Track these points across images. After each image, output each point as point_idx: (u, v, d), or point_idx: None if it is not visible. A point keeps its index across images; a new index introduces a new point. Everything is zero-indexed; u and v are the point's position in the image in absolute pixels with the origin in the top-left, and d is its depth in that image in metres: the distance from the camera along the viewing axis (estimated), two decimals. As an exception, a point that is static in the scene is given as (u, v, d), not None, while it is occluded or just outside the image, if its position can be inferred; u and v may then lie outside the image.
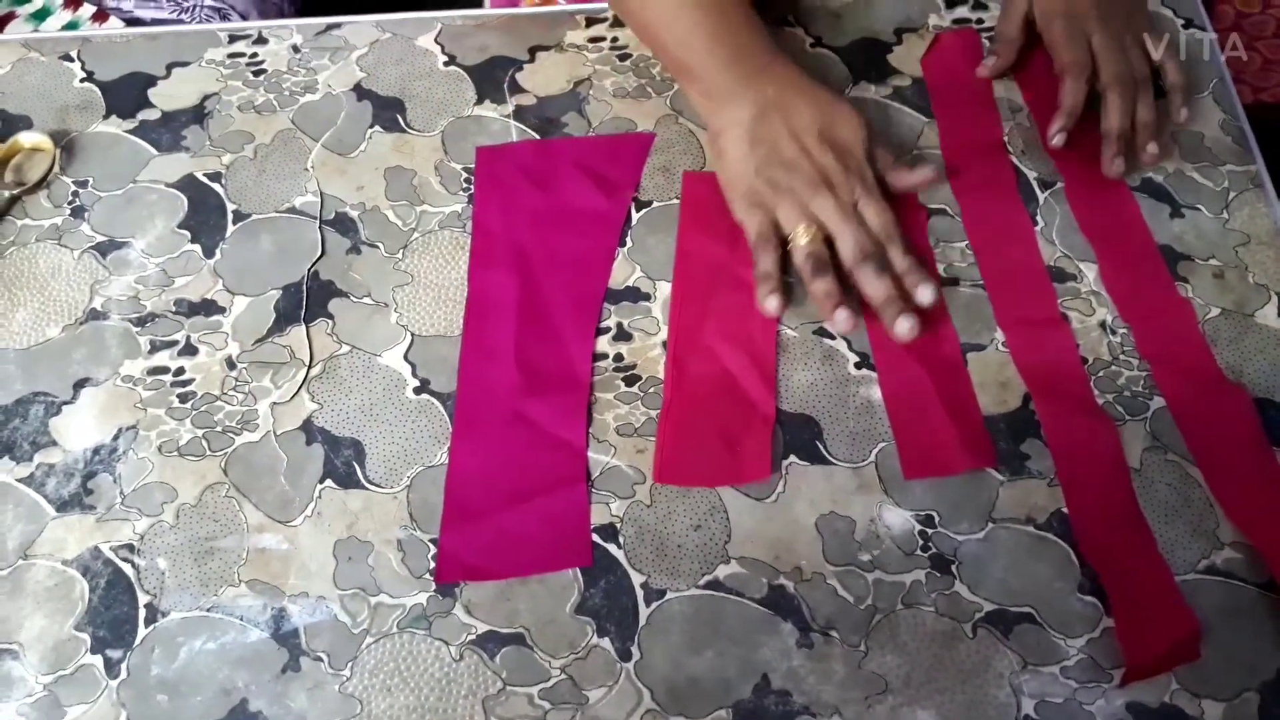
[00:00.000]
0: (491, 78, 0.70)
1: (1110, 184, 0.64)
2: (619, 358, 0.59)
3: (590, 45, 0.71)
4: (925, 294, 0.57)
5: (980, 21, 0.73)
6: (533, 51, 0.71)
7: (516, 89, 0.70)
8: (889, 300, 0.57)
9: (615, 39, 0.72)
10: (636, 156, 0.66)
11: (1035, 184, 0.65)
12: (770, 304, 0.58)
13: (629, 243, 0.63)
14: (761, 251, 0.59)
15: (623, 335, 0.59)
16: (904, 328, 0.56)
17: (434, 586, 0.52)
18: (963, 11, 0.73)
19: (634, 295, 0.61)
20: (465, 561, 0.52)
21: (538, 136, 0.68)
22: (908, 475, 0.54)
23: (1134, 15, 0.67)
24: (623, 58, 0.71)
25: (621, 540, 0.53)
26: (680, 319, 0.60)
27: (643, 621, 0.51)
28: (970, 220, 0.63)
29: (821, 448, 0.56)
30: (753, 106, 0.61)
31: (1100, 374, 0.58)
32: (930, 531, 0.53)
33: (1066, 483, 0.54)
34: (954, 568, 0.52)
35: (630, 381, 0.58)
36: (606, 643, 0.50)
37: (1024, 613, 0.51)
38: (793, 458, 0.55)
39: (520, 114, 0.69)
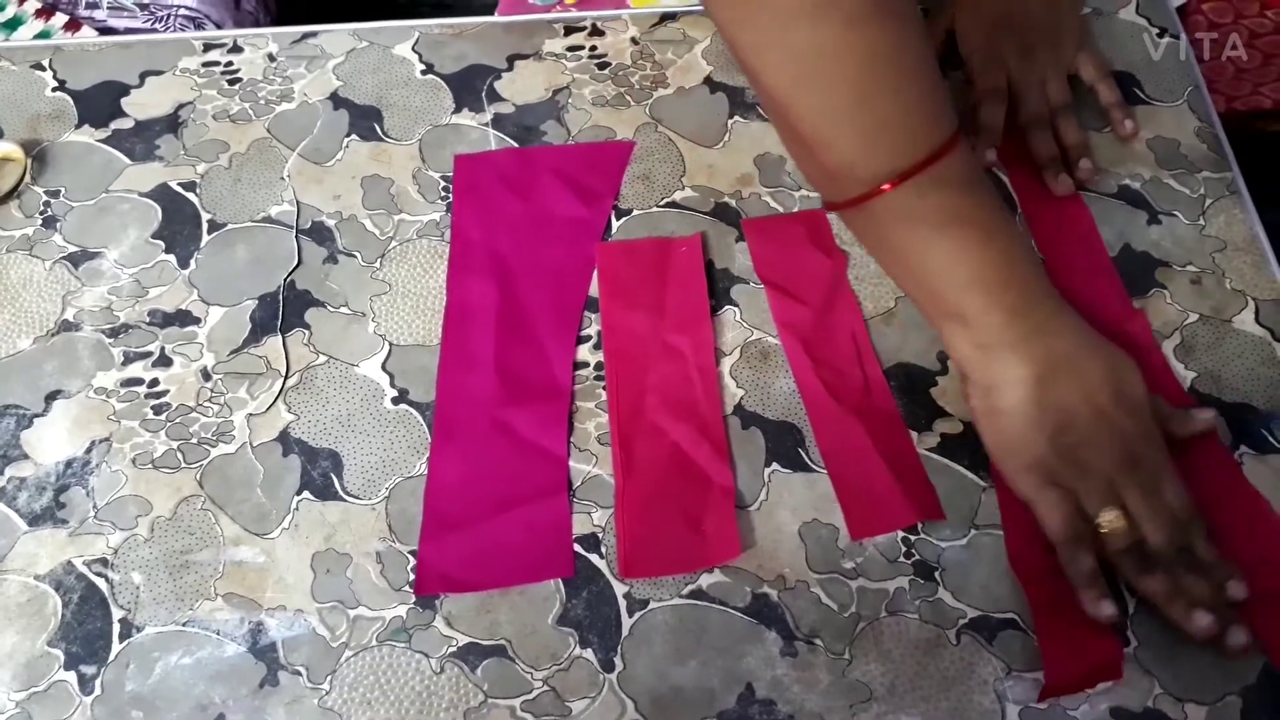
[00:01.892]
0: (470, 86, 0.70)
1: (1063, 199, 0.64)
2: (599, 366, 0.58)
3: (569, 54, 0.71)
4: (1237, 590, 0.49)
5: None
6: (511, 60, 0.71)
7: (495, 97, 0.70)
8: (1178, 595, 0.49)
9: (594, 47, 0.71)
10: (616, 164, 0.66)
11: (1010, 187, 0.65)
12: (1105, 610, 0.49)
13: (609, 251, 0.63)
14: (1076, 550, 0.50)
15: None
16: (1203, 624, 0.48)
17: (414, 599, 0.51)
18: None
19: (615, 303, 0.61)
20: (445, 573, 0.52)
21: (517, 145, 0.67)
22: (854, 536, 0.53)
23: (1060, 46, 0.67)
24: (601, 66, 0.70)
25: (604, 550, 0.53)
26: (619, 398, 0.57)
27: (625, 632, 0.50)
28: None
29: (804, 455, 0.55)
30: (1039, 364, 0.51)
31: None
32: (913, 538, 0.53)
33: (1003, 498, 0.54)
34: (937, 574, 0.52)
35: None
36: (589, 654, 0.50)
37: (1007, 619, 0.51)
38: (775, 465, 0.55)
39: (499, 122, 0.68)
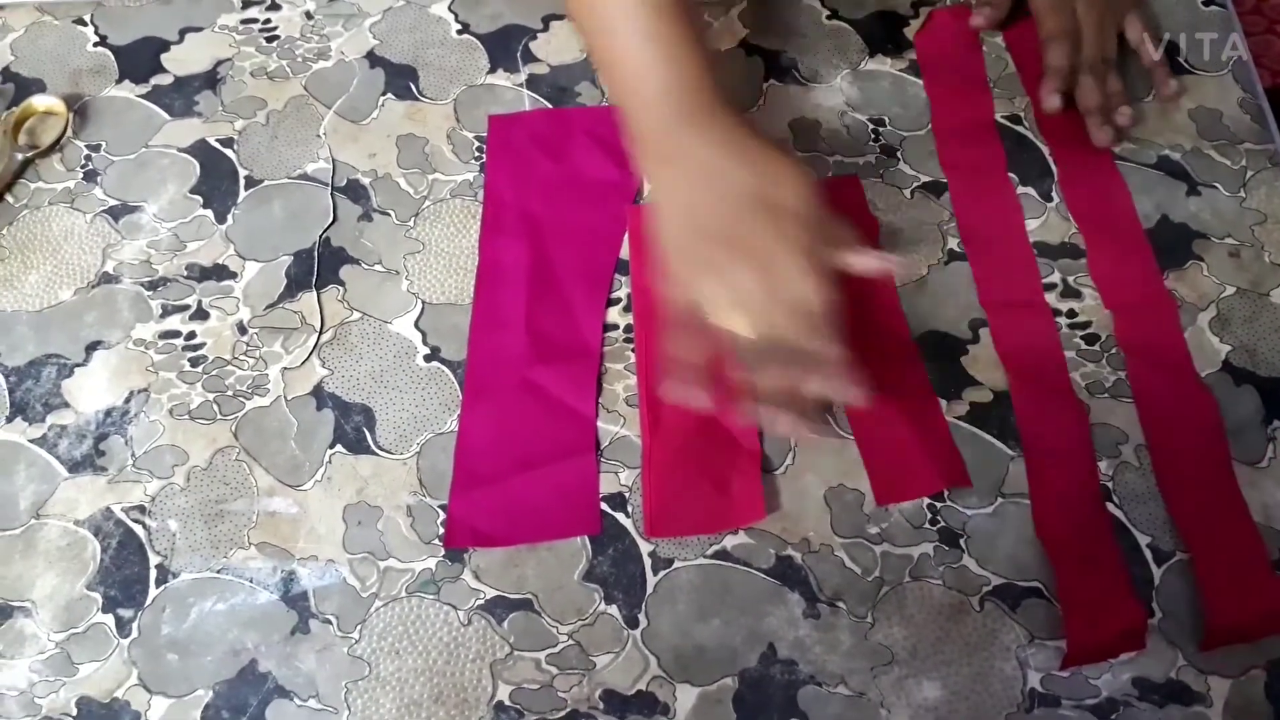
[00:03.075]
0: (505, 46, 0.70)
1: (1103, 172, 0.63)
2: (629, 328, 0.59)
3: (604, 15, 0.71)
4: (856, 395, 0.50)
5: (998, -4, 0.72)
6: (546, 21, 0.71)
7: (530, 58, 0.69)
8: (782, 398, 0.50)
9: (630, 9, 0.71)
10: None
11: (1050, 159, 0.64)
12: (700, 399, 0.51)
13: (641, 213, 0.63)
14: (683, 336, 0.52)
15: (634, 306, 0.59)
16: (785, 428, 0.51)
17: (442, 552, 0.52)
18: (981, -15, 0.72)
19: (646, 266, 0.61)
20: (474, 527, 0.52)
21: (550, 105, 0.67)
22: (880, 501, 0.53)
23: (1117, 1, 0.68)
24: (637, 28, 0.70)
25: (630, 509, 0.53)
26: (648, 360, 0.57)
27: (650, 589, 0.51)
28: (958, 200, 0.63)
29: (831, 420, 0.56)
30: (688, 170, 0.53)
31: (1113, 351, 0.57)
32: (939, 505, 0.53)
33: (1031, 463, 0.54)
34: (962, 541, 0.52)
35: (641, 352, 0.58)
36: (614, 610, 0.51)
37: (1031, 587, 0.51)
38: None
39: (533, 83, 0.68)
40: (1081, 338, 0.58)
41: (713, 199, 0.52)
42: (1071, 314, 0.59)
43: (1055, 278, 0.60)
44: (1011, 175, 0.64)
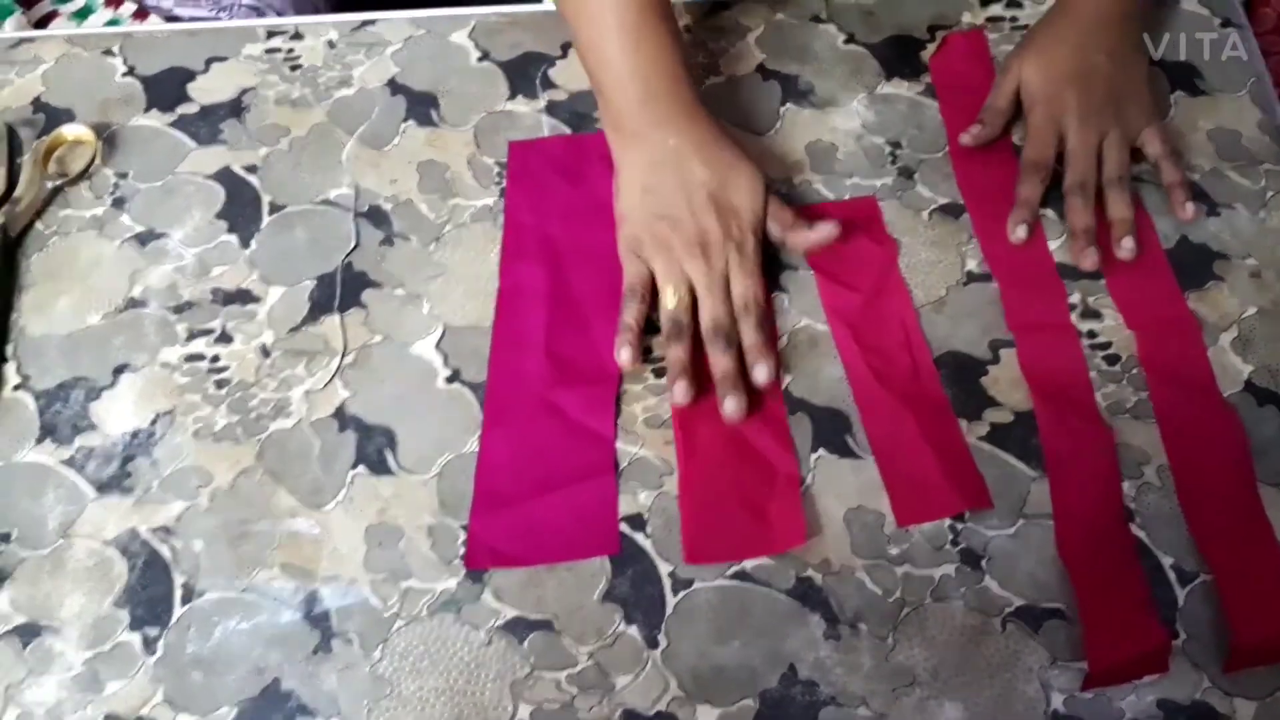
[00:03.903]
0: (524, 73, 0.71)
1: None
2: (648, 350, 0.59)
3: (623, 41, 0.72)
4: (760, 374, 0.56)
5: (1014, 20, 0.73)
6: (565, 48, 0.72)
7: (549, 84, 0.70)
8: (724, 378, 0.55)
9: (648, 35, 0.72)
10: None
11: (1069, 181, 0.64)
12: (623, 356, 0.57)
13: (660, 236, 0.63)
14: (628, 301, 0.58)
15: (651, 328, 0.60)
16: (729, 408, 0.55)
17: (463, 572, 0.52)
18: (997, 9, 0.73)
19: (664, 288, 0.61)
20: (494, 548, 0.53)
21: (569, 131, 0.68)
22: (900, 523, 0.53)
23: (1126, 113, 0.64)
24: (655, 54, 0.71)
25: (649, 530, 0.53)
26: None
27: (669, 610, 0.51)
28: (980, 223, 0.63)
29: (851, 442, 0.56)
30: (652, 154, 0.61)
31: (1134, 371, 0.57)
32: (960, 527, 0.53)
33: (1055, 484, 0.54)
34: (984, 563, 0.52)
35: (659, 374, 0.58)
36: (634, 630, 0.51)
37: (1053, 609, 0.51)
38: (822, 451, 0.55)
39: (552, 109, 0.69)
40: (1103, 358, 0.58)
41: (673, 186, 0.60)
42: (1092, 334, 0.59)
43: (1076, 298, 0.60)
44: (1029, 197, 0.64)
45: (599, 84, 0.62)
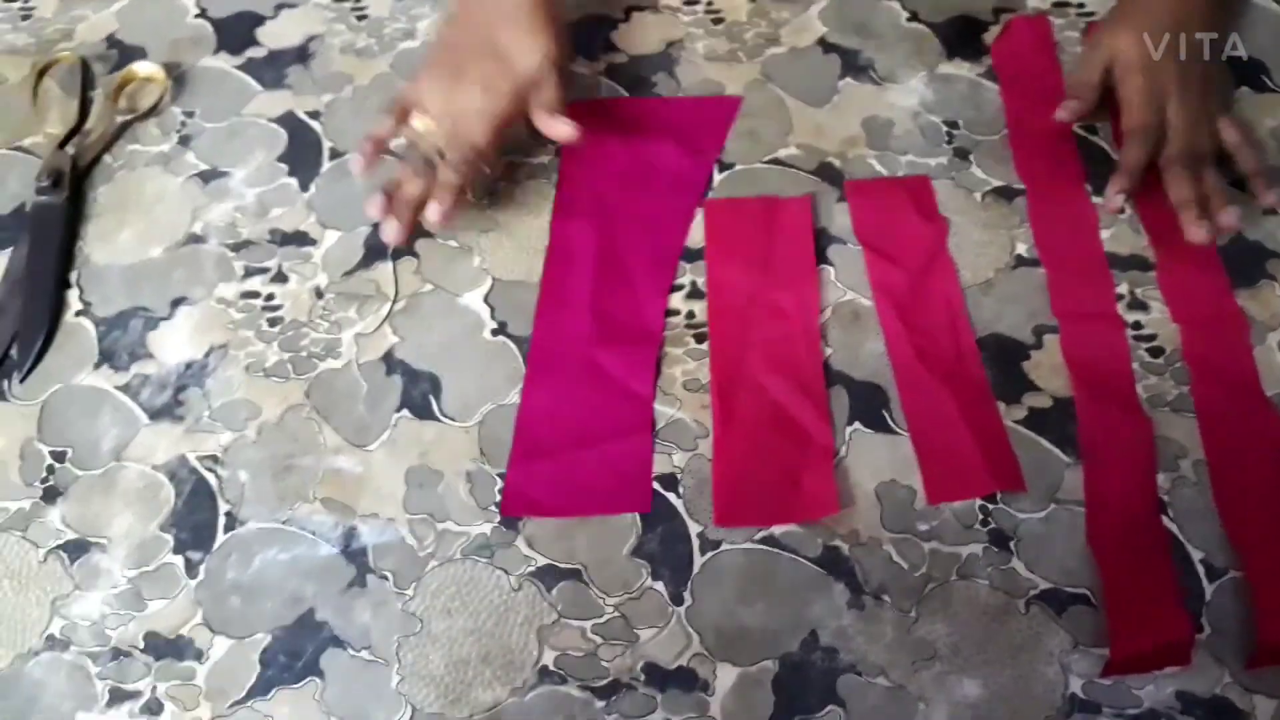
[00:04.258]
0: (587, 35, 0.71)
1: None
2: (691, 315, 0.60)
3: (685, 7, 0.72)
4: (431, 212, 0.59)
5: (1081, 6, 0.72)
6: (628, 11, 0.72)
7: (610, 47, 0.71)
8: (400, 201, 0.61)
9: (710, 2, 0.72)
10: (722, 120, 0.67)
11: (1125, 171, 0.64)
12: (353, 168, 0.63)
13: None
14: (380, 119, 0.63)
15: (696, 293, 0.60)
16: (431, 216, 0.59)
17: (498, 518, 0.53)
18: (1065, -6, 0.72)
19: (711, 255, 0.62)
20: (530, 497, 0.54)
21: (627, 94, 0.69)
22: (931, 500, 0.53)
23: (1209, 94, 0.64)
24: (716, 21, 0.71)
25: (681, 490, 0.54)
26: (721, 353, 0.58)
27: (696, 569, 0.52)
28: (1034, 209, 0.63)
29: (888, 417, 0.56)
30: (463, 22, 0.65)
31: (1177, 365, 0.57)
32: (991, 507, 0.53)
33: (1089, 472, 0.54)
34: (1012, 544, 0.52)
35: (700, 339, 0.59)
36: (660, 586, 0.52)
37: (1079, 594, 0.51)
38: (858, 424, 0.56)
39: (612, 71, 0.70)
40: (1146, 350, 0.58)
41: (466, 33, 0.63)
42: (1137, 325, 0.59)
43: (1124, 289, 0.60)
44: (1085, 186, 0.63)
45: None
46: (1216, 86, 0.65)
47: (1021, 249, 0.61)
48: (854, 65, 0.69)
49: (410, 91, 0.63)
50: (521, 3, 0.63)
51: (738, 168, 0.65)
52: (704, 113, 0.67)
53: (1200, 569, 0.51)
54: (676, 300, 0.60)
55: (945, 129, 0.66)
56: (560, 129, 0.62)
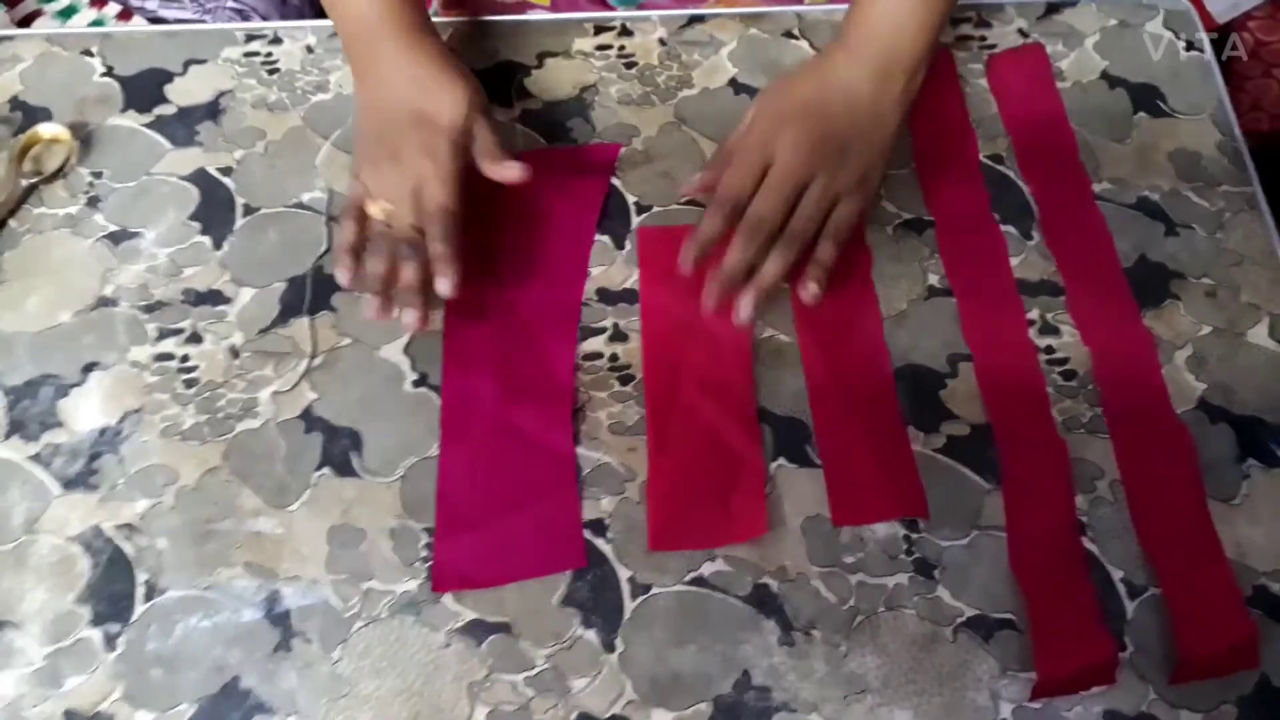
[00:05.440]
0: (499, 81, 0.72)
1: (1083, 209, 0.65)
2: (614, 357, 0.60)
3: (597, 52, 0.73)
4: (443, 286, 0.57)
5: (983, 39, 0.74)
6: (540, 57, 0.73)
7: (524, 93, 0.71)
8: (404, 290, 0.58)
9: (622, 47, 0.73)
10: (604, 166, 0.67)
11: (1031, 198, 0.65)
12: (340, 278, 0.59)
13: (626, 246, 0.64)
14: (343, 221, 0.60)
15: (618, 336, 0.61)
16: (405, 320, 0.57)
17: (424, 574, 0.53)
18: (966, 29, 0.74)
19: (630, 297, 0.62)
20: (461, 571, 0.53)
21: (544, 141, 0.69)
22: (836, 522, 0.54)
23: (844, 164, 0.59)
24: (629, 65, 0.72)
25: (610, 535, 0.54)
26: (655, 378, 0.59)
27: (627, 615, 0.52)
28: (944, 238, 0.64)
29: (809, 451, 0.56)
30: (377, 74, 0.63)
31: (1090, 387, 0.59)
32: (914, 536, 0.54)
33: (1009, 497, 0.55)
34: (937, 573, 0.53)
35: (625, 381, 0.59)
36: (592, 634, 0.51)
37: (1005, 619, 0.52)
38: (782, 460, 0.56)
39: (526, 118, 0.70)
40: (1059, 374, 0.59)
41: (385, 111, 0.62)
42: (1050, 350, 0.60)
43: (1034, 314, 0.61)
44: (993, 215, 0.65)
45: (336, 19, 0.65)
46: (862, 156, 0.60)
47: (933, 279, 0.62)
48: (763, 104, 0.70)
49: (357, 190, 0.61)
50: (426, 65, 0.62)
51: (655, 209, 0.66)
52: (585, 161, 0.67)
53: (1121, 587, 0.53)
54: (599, 343, 0.60)
55: (856, 164, 0.67)
56: (507, 172, 0.60)
